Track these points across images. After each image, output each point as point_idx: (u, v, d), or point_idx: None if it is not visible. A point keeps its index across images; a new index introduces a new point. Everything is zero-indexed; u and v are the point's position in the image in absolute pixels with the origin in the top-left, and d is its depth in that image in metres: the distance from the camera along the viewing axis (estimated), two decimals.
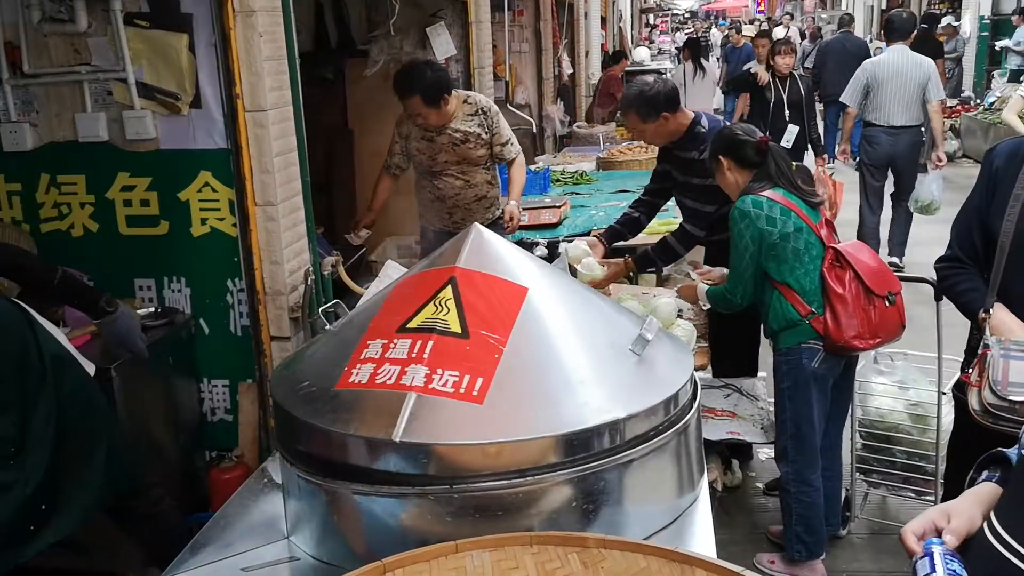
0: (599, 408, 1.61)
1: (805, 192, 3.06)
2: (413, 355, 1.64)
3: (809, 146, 7.18)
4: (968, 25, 14.90)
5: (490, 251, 1.85)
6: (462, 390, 1.57)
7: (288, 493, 1.79)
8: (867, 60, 7.10)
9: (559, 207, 5.17)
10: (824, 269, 2.94)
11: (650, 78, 4.07)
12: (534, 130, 8.95)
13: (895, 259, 6.82)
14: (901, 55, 6.46)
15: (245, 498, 1.99)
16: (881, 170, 6.67)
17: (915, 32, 7.12)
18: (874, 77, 6.48)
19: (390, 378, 1.62)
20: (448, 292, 1.74)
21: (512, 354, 1.63)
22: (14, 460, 2.30)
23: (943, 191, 6.41)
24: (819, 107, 11.07)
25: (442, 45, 6.19)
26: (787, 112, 7.10)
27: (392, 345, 1.67)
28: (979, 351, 2.23)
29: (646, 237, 4.44)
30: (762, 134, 3.20)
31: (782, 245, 2.95)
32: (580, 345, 1.73)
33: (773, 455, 4.00)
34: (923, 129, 6.56)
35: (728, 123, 3.88)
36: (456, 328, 1.67)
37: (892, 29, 6.64)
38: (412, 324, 1.70)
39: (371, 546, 1.58)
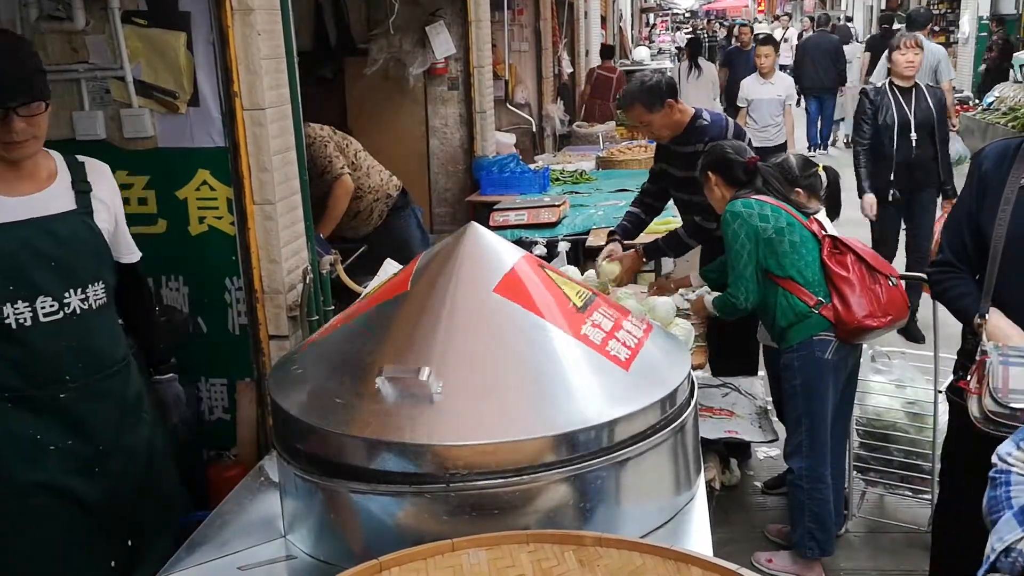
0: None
1: (797, 204, 3.09)
2: (612, 320, 1.84)
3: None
4: (967, 26, 14.89)
5: (487, 249, 1.85)
6: (643, 333, 1.85)
7: (285, 492, 1.80)
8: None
9: (558, 206, 5.17)
10: (824, 257, 2.97)
11: (647, 71, 4.12)
12: (534, 129, 8.95)
13: None
14: None
15: (242, 496, 2.00)
16: None
17: (929, 24, 8.87)
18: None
19: (632, 339, 1.85)
20: (550, 272, 1.88)
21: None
22: (98, 468, 2.21)
23: (963, 145, 8.31)
24: (802, 102, 11.11)
25: (442, 44, 6.20)
26: (914, 136, 5.17)
27: (597, 321, 1.83)
28: (977, 357, 2.22)
29: (644, 237, 4.44)
30: (752, 154, 3.24)
31: (778, 240, 2.97)
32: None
33: (774, 453, 4.02)
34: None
35: (728, 119, 3.88)
36: (578, 303, 1.83)
37: (911, 21, 8.32)
38: (577, 304, 1.82)
39: (368, 544, 1.59)
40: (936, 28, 15.89)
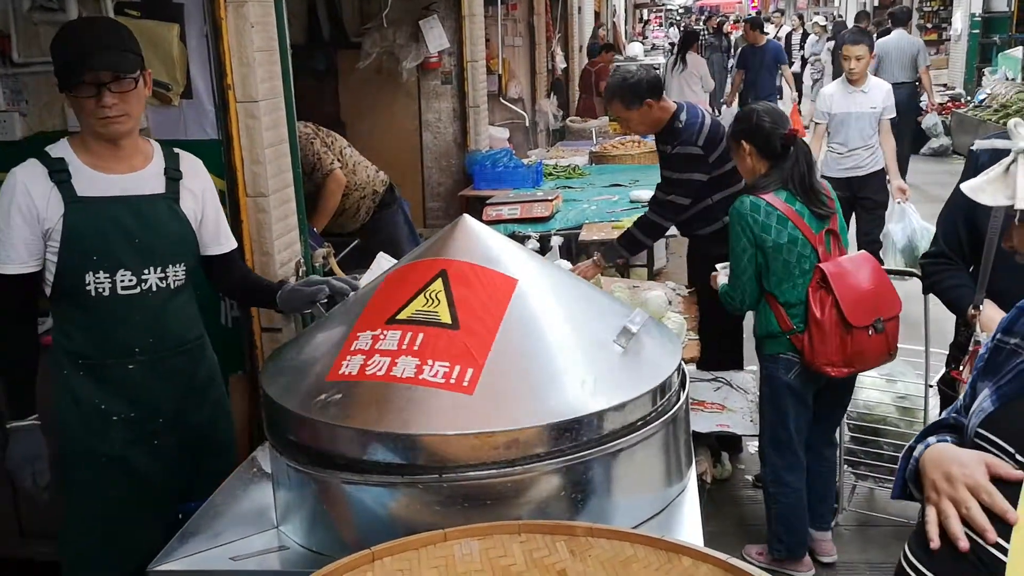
0: (587, 397, 1.62)
1: (814, 202, 2.94)
2: (403, 346, 1.65)
3: None
4: (959, 23, 14.93)
5: (479, 242, 1.86)
6: (452, 380, 1.59)
7: (278, 483, 1.80)
8: (878, 40, 9.50)
9: (551, 200, 5.18)
10: (810, 288, 2.87)
11: (633, 66, 4.08)
12: (527, 124, 8.95)
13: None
14: (900, 35, 9.51)
15: (235, 488, 2.00)
16: None
17: (909, 19, 10.34)
18: (883, 50, 9.14)
19: (380, 369, 1.63)
20: (439, 284, 1.75)
21: (503, 344, 1.64)
22: (157, 440, 2.28)
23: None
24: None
25: (435, 38, 6.19)
26: None
27: (382, 336, 1.69)
28: (970, 348, 2.24)
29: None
30: (791, 127, 3.01)
31: (773, 256, 2.89)
32: (571, 334, 1.74)
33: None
34: (916, 85, 9.51)
35: (705, 119, 3.71)
36: (446, 319, 1.68)
37: (895, 18, 9.89)
38: (402, 316, 1.71)
39: (360, 535, 1.59)
40: (928, 26, 16.04)
